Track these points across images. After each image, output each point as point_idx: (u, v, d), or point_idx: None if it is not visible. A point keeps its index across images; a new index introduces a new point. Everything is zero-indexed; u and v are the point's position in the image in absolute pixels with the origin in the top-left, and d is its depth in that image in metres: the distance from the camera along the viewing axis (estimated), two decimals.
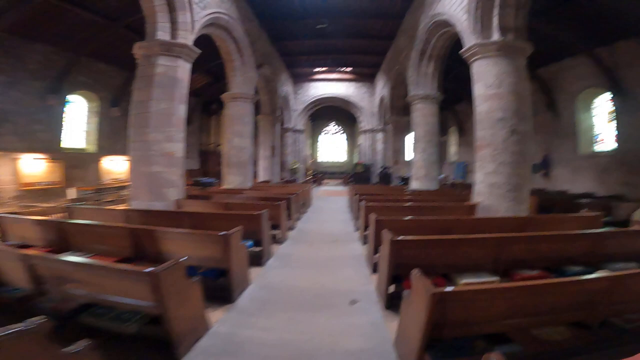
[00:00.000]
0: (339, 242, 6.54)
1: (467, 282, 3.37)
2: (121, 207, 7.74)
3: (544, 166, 12.06)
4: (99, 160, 12.71)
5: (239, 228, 3.86)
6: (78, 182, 11.52)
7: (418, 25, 10.98)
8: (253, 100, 12.04)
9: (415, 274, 2.41)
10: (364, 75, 20.71)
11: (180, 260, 2.76)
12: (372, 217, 4.78)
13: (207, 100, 18.00)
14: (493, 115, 6.47)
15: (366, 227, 6.17)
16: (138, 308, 2.66)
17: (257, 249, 4.97)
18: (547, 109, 12.04)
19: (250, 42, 11.82)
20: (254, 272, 4.62)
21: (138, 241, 3.83)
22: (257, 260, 4.94)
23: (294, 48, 16.63)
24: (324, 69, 20.66)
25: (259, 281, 4.40)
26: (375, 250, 4.65)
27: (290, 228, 7.56)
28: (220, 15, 9.24)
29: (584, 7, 8.82)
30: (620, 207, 7.27)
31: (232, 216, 5.00)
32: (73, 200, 10.75)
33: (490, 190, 6.43)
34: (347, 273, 4.74)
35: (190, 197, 7.64)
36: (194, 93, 17.26)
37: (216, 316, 3.40)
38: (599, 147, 10.88)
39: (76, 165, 11.85)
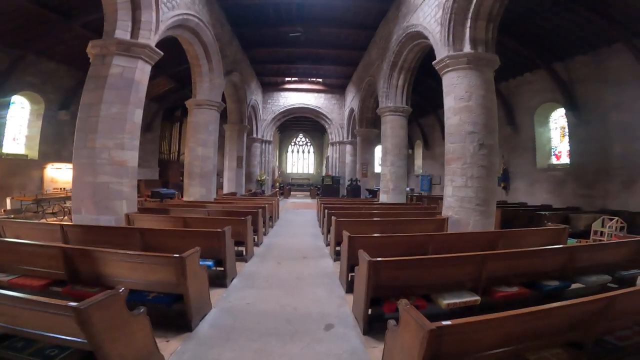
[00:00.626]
0: (309, 259, 6.16)
1: (450, 302, 3.15)
2: (63, 220, 6.83)
3: (504, 179, 12.56)
4: (43, 168, 11.41)
5: (196, 249, 3.38)
6: (16, 192, 10.20)
7: (391, 37, 11.14)
8: (219, 109, 11.51)
9: (404, 305, 2.11)
10: (335, 86, 20.85)
11: (119, 291, 2.28)
12: (345, 234, 4.49)
13: (169, 106, 17.08)
14: (463, 128, 6.52)
15: (338, 243, 5.87)
16: (67, 343, 2.15)
17: (220, 268, 4.47)
18: (507, 123, 12.62)
19: (221, 48, 11.37)
20: (216, 295, 4.11)
21: (72, 262, 3.23)
22: (219, 281, 4.43)
23: (266, 56, 16.36)
24: (294, 78, 20.57)
25: (222, 304, 3.91)
26: (349, 269, 4.34)
27: (257, 244, 7.07)
28: (190, 17, 8.76)
29: (543, 23, 9.35)
30: (579, 218, 7.59)
31: (190, 233, 4.49)
32: (7, 211, 9.46)
33: (460, 204, 6.41)
34: (320, 293, 4.36)
35: (144, 210, 6.93)
36: (156, 99, 16.36)
37: (171, 347, 2.90)
38: (555, 161, 11.52)
39: (15, 172, 10.53)
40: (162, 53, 7.12)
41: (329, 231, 7.17)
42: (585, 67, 9.88)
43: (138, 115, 6.48)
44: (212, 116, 11.15)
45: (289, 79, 20.59)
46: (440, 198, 13.52)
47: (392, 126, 11.52)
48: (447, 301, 3.16)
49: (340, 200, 12.83)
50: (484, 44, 6.62)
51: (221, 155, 18.86)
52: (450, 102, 6.90)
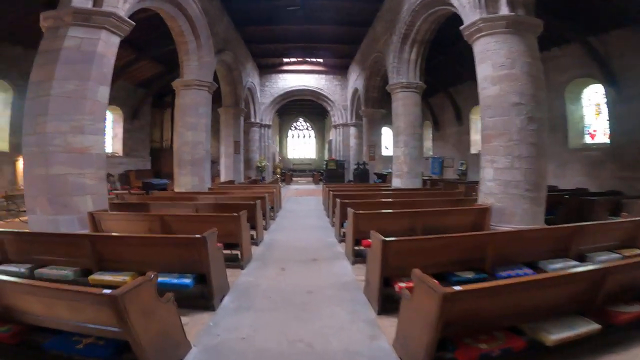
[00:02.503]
0: (320, 261, 5.03)
1: (560, 337, 2.09)
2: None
3: None
4: (15, 161, 10.23)
5: (148, 278, 2.22)
6: None
7: (401, 7, 9.83)
8: (211, 89, 10.23)
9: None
10: (336, 67, 19.42)
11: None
12: (376, 238, 3.33)
13: (158, 92, 15.71)
14: (506, 100, 5.31)
15: (356, 241, 4.75)
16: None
17: (204, 286, 3.34)
18: None
19: (209, 24, 10.07)
20: (199, 323, 3.03)
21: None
22: (204, 302, 3.32)
23: (261, 35, 14.91)
24: (293, 59, 19.11)
25: (206, 341, 2.80)
26: (383, 281, 3.21)
27: (256, 242, 5.95)
28: None
29: None
30: (634, 204, 6.42)
31: (160, 241, 3.34)
32: None
33: (505, 189, 5.24)
34: (341, 316, 3.25)
35: (118, 207, 5.78)
36: (143, 84, 15.02)
37: None
38: (590, 140, 10.27)
39: None
40: (133, 23, 5.90)
41: (341, 225, 6.05)
42: (623, 41, 8.63)
43: (103, 93, 5.28)
44: (202, 97, 9.88)
45: (288, 59, 19.12)
46: (457, 182, 12.56)
47: (405, 103, 10.25)
48: (555, 336, 2.06)
49: (348, 186, 11.66)
50: (523, 6, 5.43)
51: (217, 141, 17.66)
52: (486, 70, 5.68)
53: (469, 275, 3.28)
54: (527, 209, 5.18)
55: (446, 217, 5.09)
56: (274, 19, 13.15)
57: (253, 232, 5.92)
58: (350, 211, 4.80)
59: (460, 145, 16.24)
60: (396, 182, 10.42)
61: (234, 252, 4.62)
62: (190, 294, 3.26)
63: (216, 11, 10.95)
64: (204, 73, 9.97)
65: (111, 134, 14.39)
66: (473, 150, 15.37)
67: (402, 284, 3.02)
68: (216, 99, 14.55)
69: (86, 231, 4.49)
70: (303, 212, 9.98)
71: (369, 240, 4.54)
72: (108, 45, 5.42)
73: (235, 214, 4.45)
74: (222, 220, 4.46)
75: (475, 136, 15.37)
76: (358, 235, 4.69)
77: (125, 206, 5.98)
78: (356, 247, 4.83)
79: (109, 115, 14.25)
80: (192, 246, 3.18)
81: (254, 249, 5.66)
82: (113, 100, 14.02)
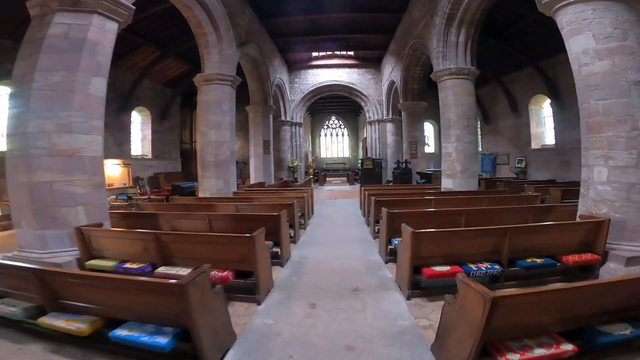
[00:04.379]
0: (363, 293, 3.83)
1: None
2: None
3: None
4: None
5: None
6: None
7: None
8: (234, 83, 9.40)
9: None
10: (369, 59, 18.08)
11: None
12: (470, 291, 2.11)
13: (186, 91, 15.26)
14: (623, 77, 3.86)
15: (415, 269, 3.51)
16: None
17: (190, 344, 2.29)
18: None
19: (229, 14, 9.28)
20: None
21: None
22: None
23: (287, 27, 13.95)
24: (322, 53, 18.02)
25: None
26: (483, 352, 1.99)
27: (281, 262, 4.87)
28: None
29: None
30: None
31: (132, 285, 2.32)
32: None
33: (627, 195, 3.73)
34: None
35: (120, 217, 4.96)
36: (170, 83, 14.62)
37: None
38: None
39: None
40: (132, 7, 5.09)
41: (389, 241, 4.81)
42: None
43: (98, 85, 4.45)
44: (225, 92, 9.05)
45: (316, 54, 18.06)
46: (522, 182, 10.75)
47: (455, 92, 8.74)
48: None
49: (389, 188, 10.29)
50: None
51: (246, 141, 17.04)
52: (584, 42, 4.28)
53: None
54: None
55: (541, 235, 3.71)
56: (299, 8, 12.07)
57: (277, 249, 4.87)
58: (406, 229, 3.55)
59: (517, 140, 14.19)
60: (447, 183, 8.93)
61: (249, 281, 3.54)
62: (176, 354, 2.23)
63: (236, 1, 10.10)
64: (227, 66, 9.15)
65: (140, 136, 14.12)
66: (534, 145, 13.31)
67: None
68: (244, 98, 13.86)
69: (69, 251, 3.66)
70: (338, 218, 8.80)
71: (435, 269, 3.33)
72: (102, 31, 4.60)
73: (249, 235, 3.36)
74: (234, 243, 3.43)
75: (537, 129, 13.32)
76: (418, 262, 3.44)
77: (129, 218, 5.16)
78: (414, 276, 3.56)
79: (137, 117, 13.99)
80: (171, 294, 2.13)
81: (278, 271, 4.60)
82: (140, 101, 13.74)
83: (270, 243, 4.69)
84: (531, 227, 3.81)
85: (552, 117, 12.34)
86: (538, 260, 3.71)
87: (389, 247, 4.86)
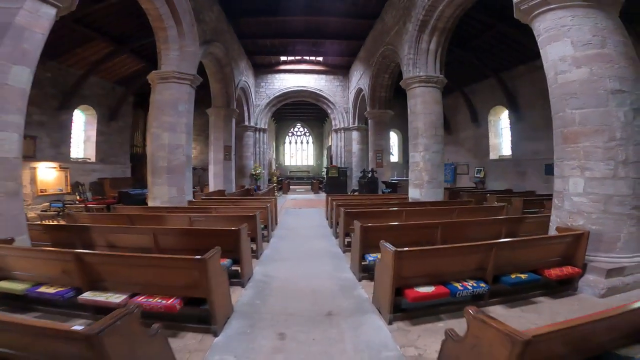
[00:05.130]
0: (338, 318, 3.35)
1: None
2: None
3: None
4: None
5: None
6: None
7: None
8: (194, 83, 8.64)
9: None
10: (337, 66, 17.99)
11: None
12: (489, 330, 1.72)
13: (140, 91, 14.01)
14: (601, 85, 3.80)
15: (396, 290, 3.10)
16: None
17: None
18: None
19: (195, 9, 8.57)
20: None
21: None
22: None
23: (256, 28, 13.35)
24: (291, 58, 17.63)
25: None
26: None
27: (242, 282, 4.26)
28: None
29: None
30: None
31: (30, 330, 1.64)
32: None
33: (604, 207, 3.67)
34: None
35: (43, 231, 4.06)
36: (122, 81, 13.35)
37: None
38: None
39: None
40: None
41: (362, 257, 4.38)
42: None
43: (18, 75, 3.62)
44: (182, 92, 8.27)
45: (285, 58, 17.62)
46: (484, 192, 10.94)
47: (424, 100, 8.74)
48: None
49: (356, 198, 9.97)
50: None
51: (206, 146, 16.02)
52: (562, 49, 4.22)
53: None
54: (633, 233, 3.59)
55: (525, 250, 3.48)
56: (269, 9, 11.68)
57: (237, 268, 4.25)
58: (387, 248, 3.14)
59: (477, 150, 14.71)
60: (414, 193, 8.81)
61: (203, 308, 2.91)
62: None
63: None
64: (187, 64, 8.38)
65: (83, 138, 12.63)
66: (492, 156, 13.83)
67: None
68: (205, 100, 12.98)
69: None
70: (304, 229, 8.28)
71: (419, 290, 2.96)
72: (35, 16, 3.83)
73: (199, 258, 2.74)
74: (182, 266, 2.80)
75: (495, 140, 13.87)
76: (399, 283, 3.03)
77: (55, 231, 4.26)
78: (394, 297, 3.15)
79: (81, 116, 12.53)
80: (77, 346, 1.49)
81: (239, 292, 3.99)
82: (85, 99, 12.27)
83: (228, 261, 4.08)
84: (516, 242, 3.57)
85: (509, 129, 12.89)
86: (523, 276, 3.49)
87: (363, 262, 4.44)
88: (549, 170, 10.71)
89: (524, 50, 10.79)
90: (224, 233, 4.09)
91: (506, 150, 13.40)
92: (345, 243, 5.92)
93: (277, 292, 4.12)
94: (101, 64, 11.41)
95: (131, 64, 12.81)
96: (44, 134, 10.56)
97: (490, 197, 8.96)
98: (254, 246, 5.56)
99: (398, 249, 2.95)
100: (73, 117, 11.76)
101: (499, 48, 11.26)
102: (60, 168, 11.08)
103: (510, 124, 12.70)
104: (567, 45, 4.13)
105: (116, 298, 2.90)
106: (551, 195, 9.30)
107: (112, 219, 5.76)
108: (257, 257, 5.56)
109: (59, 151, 11.10)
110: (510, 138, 12.73)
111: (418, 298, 3.03)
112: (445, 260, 3.25)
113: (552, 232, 4.31)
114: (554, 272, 3.59)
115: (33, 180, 10.17)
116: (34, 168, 10.21)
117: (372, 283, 4.23)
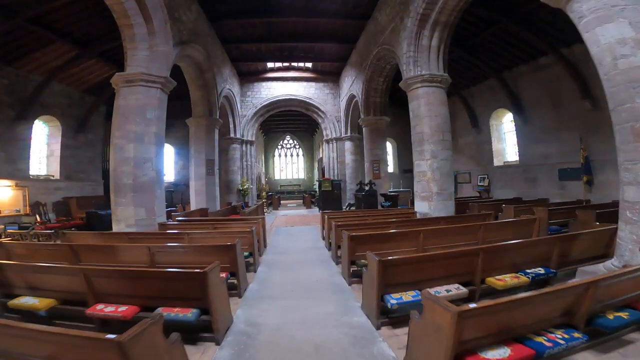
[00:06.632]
0: None
1: None
2: None
3: (586, 171, 8.88)
4: None
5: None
6: None
7: None
8: (166, 87, 7.52)
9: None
10: (327, 72, 17.12)
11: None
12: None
13: (113, 100, 12.77)
14: None
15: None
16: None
17: None
18: (583, 97, 9.03)
19: (168, 6, 7.52)
20: None
21: None
22: None
23: (240, 31, 12.39)
24: (278, 64, 16.70)
25: None
26: None
27: (216, 337, 3.06)
28: None
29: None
30: None
31: None
32: None
33: None
34: None
35: None
36: (92, 90, 12.15)
37: None
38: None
39: None
40: None
41: (380, 297, 3.25)
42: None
43: None
44: (151, 97, 7.14)
45: (272, 65, 16.68)
46: (494, 202, 9.78)
47: (429, 102, 7.79)
48: None
49: (358, 215, 8.76)
50: None
51: (186, 160, 14.79)
52: (619, 31, 3.46)
53: None
54: None
55: (623, 283, 2.42)
56: (254, 8, 10.74)
57: (208, 317, 3.05)
58: (437, 306, 2.02)
59: (479, 157, 13.84)
60: (422, 207, 7.76)
61: None
62: None
63: None
64: (157, 66, 7.28)
65: (45, 152, 11.26)
66: (497, 162, 12.97)
67: None
68: (186, 111, 11.82)
69: None
70: (298, 252, 7.07)
71: (488, 357, 1.82)
72: None
73: (117, 340, 1.56)
74: (91, 346, 1.61)
75: (498, 145, 13.04)
76: (459, 348, 1.90)
77: None
78: None
79: (42, 128, 11.18)
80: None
81: (212, 351, 2.80)
82: (47, 109, 10.64)
83: (194, 312, 2.89)
84: (613, 275, 2.49)
85: (513, 133, 12.08)
86: (624, 316, 2.51)
87: (381, 303, 3.29)
88: (564, 174, 9.91)
89: (526, 47, 10.09)
90: (185, 276, 2.91)
91: (511, 155, 12.56)
92: (351, 272, 4.77)
93: (266, 352, 2.93)
94: (65, 69, 10.23)
95: (101, 70, 11.64)
96: None
97: (506, 208, 7.95)
98: (235, 281, 4.36)
99: (459, 309, 1.82)
100: (33, 129, 10.43)
101: (500, 46, 10.52)
102: (17, 186, 9.70)
103: (515, 127, 11.87)
104: (625, 27, 3.33)
105: None
106: (574, 202, 8.66)
107: (52, 251, 4.50)
108: (239, 295, 4.35)
109: (15, 167, 9.75)
110: (515, 142, 11.88)
111: None
112: (523, 311, 2.13)
113: (625, 252, 3.33)
114: None
115: None
116: None
117: (395, 330, 3.13)
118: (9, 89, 9.51)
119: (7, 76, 9.45)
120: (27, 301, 3.19)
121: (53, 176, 11.25)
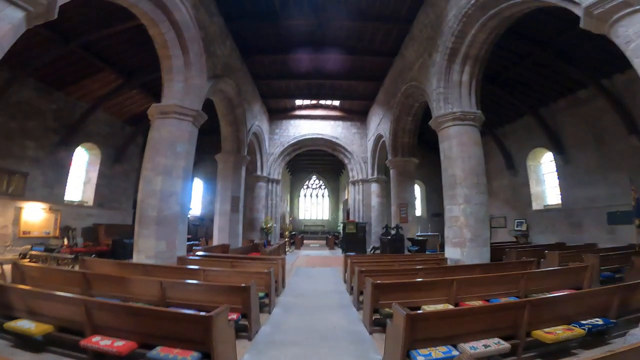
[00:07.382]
0: None
1: None
2: None
3: (637, 213, 7.98)
4: None
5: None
6: None
7: (444, 16, 7.77)
8: (197, 120, 7.81)
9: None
10: (355, 111, 17.41)
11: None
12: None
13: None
14: None
15: None
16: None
17: None
18: (630, 131, 8.41)
19: (206, 40, 8.09)
20: None
21: None
22: None
23: (270, 67, 12.86)
24: (306, 102, 17.24)
25: None
26: None
27: None
28: None
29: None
30: None
31: None
32: None
33: None
34: None
35: None
36: (132, 120, 12.88)
37: None
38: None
39: None
40: None
41: (406, 354, 2.77)
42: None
43: None
44: (183, 130, 7.39)
45: (300, 102, 17.25)
46: (533, 247, 8.93)
47: (461, 142, 7.47)
48: None
49: (380, 259, 8.24)
50: None
51: (214, 194, 15.02)
52: None
53: None
54: None
55: None
56: (284, 44, 11.17)
57: None
58: None
59: (516, 201, 12.99)
60: (454, 254, 7.15)
61: None
62: None
63: (216, 29, 9.00)
64: (191, 99, 7.63)
65: (83, 179, 11.82)
66: (536, 206, 12.06)
67: None
68: (217, 145, 12.20)
69: None
70: (317, 296, 6.58)
71: None
72: None
73: None
74: None
75: (537, 188, 12.21)
76: None
77: None
78: None
79: (84, 155, 11.83)
80: None
81: None
82: (91, 137, 11.25)
83: (194, 355, 2.60)
84: None
85: (554, 174, 11.28)
86: None
87: (406, 359, 2.81)
88: (613, 219, 8.97)
89: (563, 80, 9.62)
90: (189, 318, 2.67)
91: (551, 198, 11.66)
92: (373, 320, 4.27)
93: None
94: (109, 98, 10.95)
95: (141, 101, 12.35)
96: (38, 172, 9.80)
97: (550, 254, 7.15)
98: (247, 322, 4.01)
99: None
100: (73, 156, 11.07)
101: (534, 80, 10.16)
102: (51, 210, 10.14)
103: (556, 169, 11.10)
104: None
105: None
106: (626, 247, 7.64)
107: (65, 277, 4.42)
108: (249, 338, 3.97)
109: (52, 191, 10.24)
110: (557, 184, 11.04)
111: None
112: None
113: None
114: None
115: (17, 220, 9.27)
116: (20, 208, 9.36)
117: None
118: (56, 114, 10.15)
119: (56, 101, 10.11)
120: (23, 325, 3.13)
121: (87, 202, 11.71)
